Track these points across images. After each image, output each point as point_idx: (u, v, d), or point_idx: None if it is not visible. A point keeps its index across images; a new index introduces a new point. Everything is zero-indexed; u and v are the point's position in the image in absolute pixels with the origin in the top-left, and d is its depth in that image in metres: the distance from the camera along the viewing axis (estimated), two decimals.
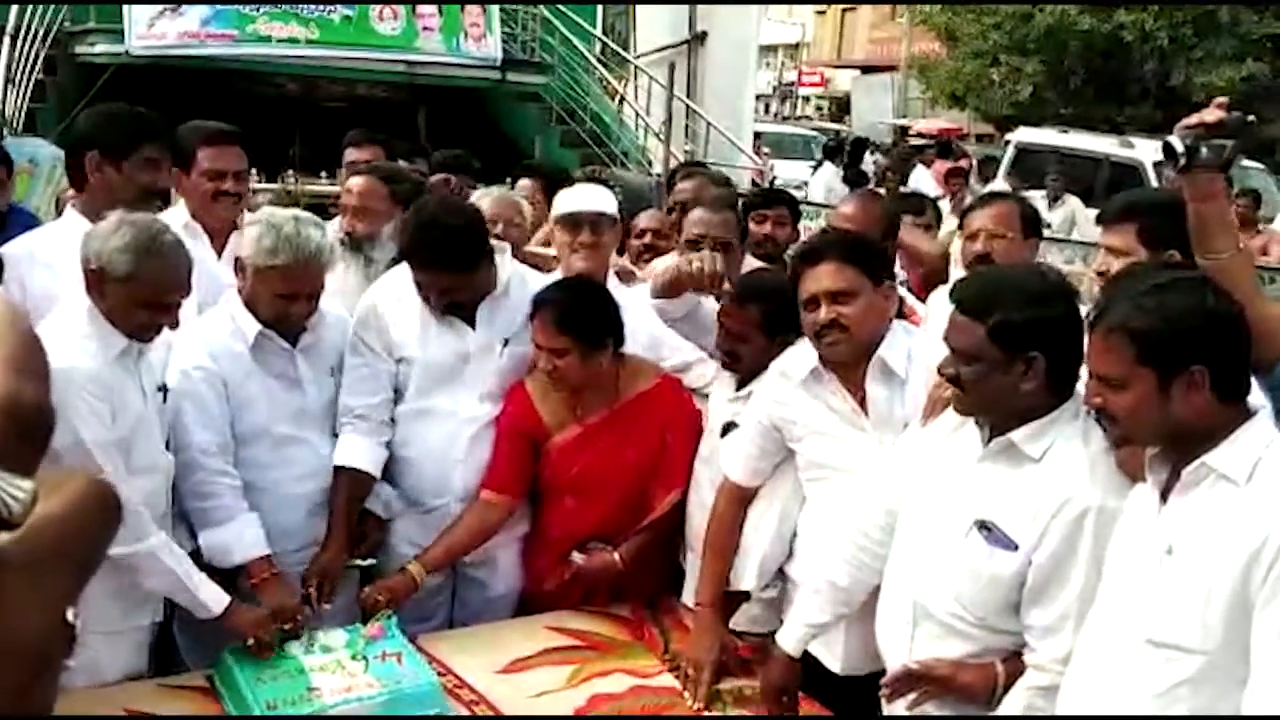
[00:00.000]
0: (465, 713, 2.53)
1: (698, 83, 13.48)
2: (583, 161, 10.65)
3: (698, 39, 13.53)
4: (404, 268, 2.98)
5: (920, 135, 21.63)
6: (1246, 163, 11.66)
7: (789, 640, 2.53)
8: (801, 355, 2.63)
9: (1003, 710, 2.12)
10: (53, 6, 9.89)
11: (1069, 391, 2.13)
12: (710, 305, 2.93)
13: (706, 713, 2.59)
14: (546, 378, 2.92)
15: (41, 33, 9.64)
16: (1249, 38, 17.23)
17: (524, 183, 4.42)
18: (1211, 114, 2.16)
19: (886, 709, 2.29)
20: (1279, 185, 12.66)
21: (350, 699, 2.44)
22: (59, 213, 3.50)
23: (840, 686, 2.59)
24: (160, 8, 10.24)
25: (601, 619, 2.95)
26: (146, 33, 10.27)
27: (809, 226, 5.81)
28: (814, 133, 22.33)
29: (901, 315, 2.69)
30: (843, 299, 2.48)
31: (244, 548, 2.70)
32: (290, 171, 9.93)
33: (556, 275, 3.21)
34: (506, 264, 3.04)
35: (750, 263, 3.85)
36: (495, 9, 11.72)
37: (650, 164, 11.86)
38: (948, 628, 2.20)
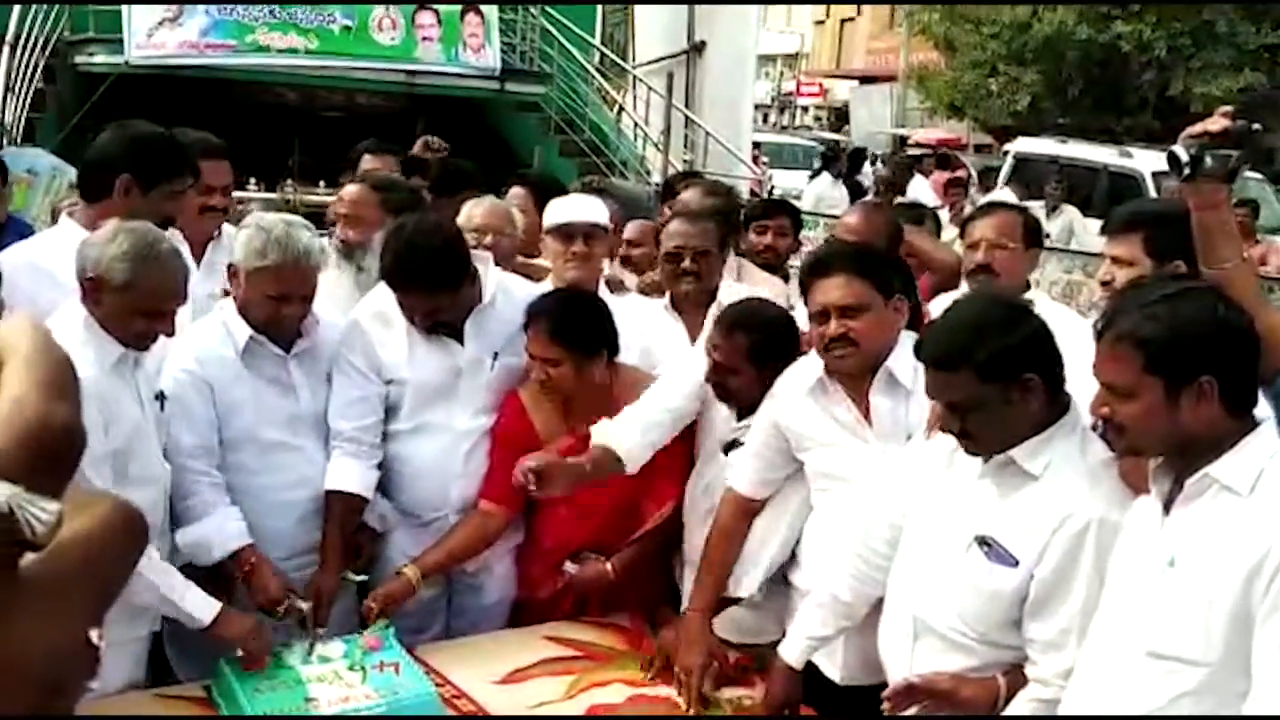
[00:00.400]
0: None
1: (696, 93, 13.51)
2: (581, 171, 10.66)
3: (696, 49, 13.55)
4: (385, 287, 2.96)
5: (919, 145, 21.68)
6: (1247, 174, 11.68)
7: (791, 652, 2.53)
8: (808, 365, 2.61)
9: None
10: (52, 17, 9.90)
11: (1064, 404, 2.13)
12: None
13: None
14: (539, 387, 2.91)
15: (41, 42, 9.65)
16: (1247, 48, 17.26)
17: (516, 191, 4.42)
18: (1216, 123, 2.16)
19: None
20: (1277, 195, 12.67)
21: (348, 710, 2.44)
22: (54, 223, 3.49)
23: (841, 697, 2.57)
24: (159, 18, 10.26)
25: (600, 629, 2.94)
26: (146, 43, 10.29)
27: (807, 236, 5.82)
28: (813, 143, 22.37)
29: (917, 325, 2.65)
30: (852, 313, 2.46)
31: (224, 539, 2.68)
32: (289, 181, 9.94)
33: (546, 285, 3.20)
34: (491, 275, 3.02)
35: (753, 271, 3.85)
36: (494, 20, 11.75)
37: (649, 174, 11.87)
38: (949, 642, 2.19)
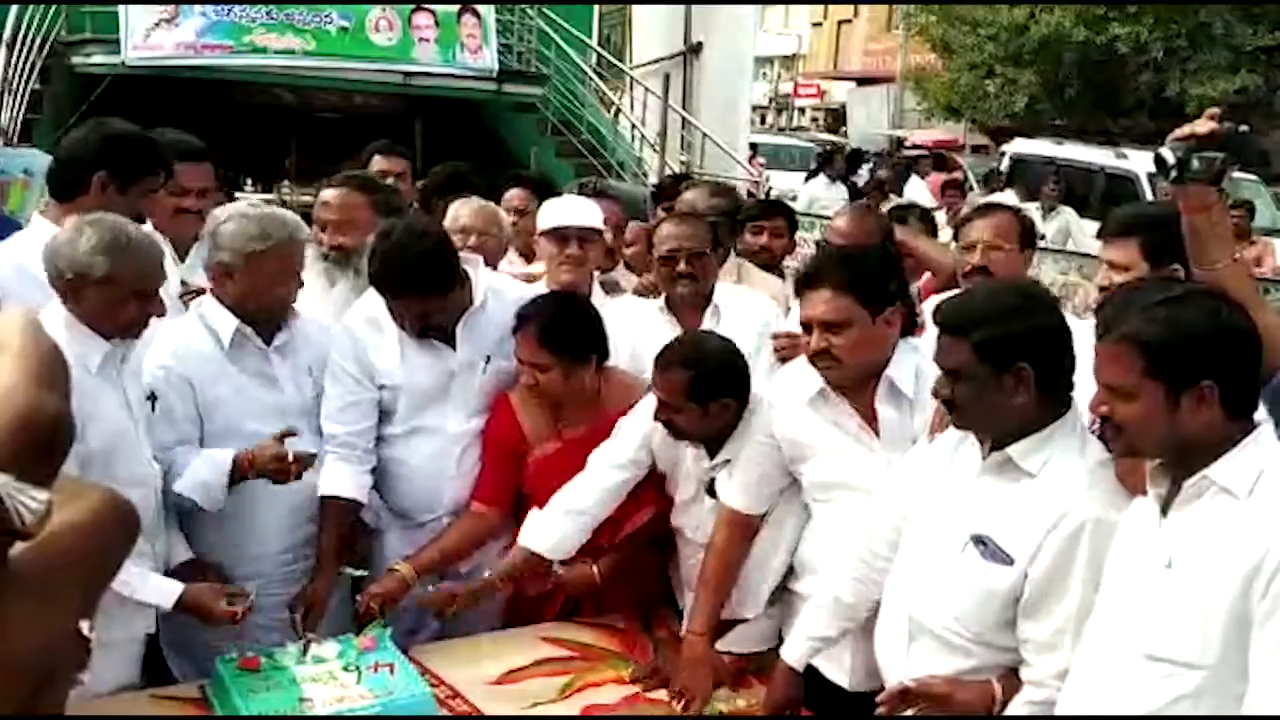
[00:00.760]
0: None
1: (693, 94, 13.52)
2: (578, 172, 10.67)
3: (693, 50, 13.56)
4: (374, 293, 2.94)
5: (916, 147, 21.69)
6: (1240, 175, 11.70)
7: (793, 654, 2.52)
8: (807, 374, 2.59)
9: None
10: (49, 17, 9.90)
11: (1066, 404, 2.13)
12: None
13: None
14: (528, 392, 2.91)
15: (38, 42, 9.65)
16: (1243, 49, 17.27)
17: (514, 192, 4.40)
18: (1203, 125, 2.16)
19: None
20: (1273, 197, 12.69)
21: (343, 710, 2.43)
22: None
23: (850, 704, 2.55)
24: (156, 19, 10.26)
25: (595, 630, 2.94)
26: (143, 43, 10.30)
27: (803, 237, 5.82)
28: (810, 144, 22.38)
29: (912, 331, 2.63)
30: (834, 329, 2.45)
31: (217, 464, 2.66)
32: (286, 182, 9.94)
33: (539, 287, 3.20)
34: (481, 278, 3.01)
35: (753, 272, 3.85)
36: (491, 21, 11.76)
37: (646, 175, 11.89)
38: (944, 643, 2.18)
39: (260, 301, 2.77)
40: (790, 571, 2.77)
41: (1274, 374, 2.07)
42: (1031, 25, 18.66)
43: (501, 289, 3.06)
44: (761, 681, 2.66)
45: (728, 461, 2.72)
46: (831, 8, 37.96)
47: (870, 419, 2.53)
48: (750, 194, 10.73)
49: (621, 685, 2.70)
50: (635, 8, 15.54)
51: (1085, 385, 1.99)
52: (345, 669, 2.56)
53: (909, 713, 2.18)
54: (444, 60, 11.50)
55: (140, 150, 3.00)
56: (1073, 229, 9.93)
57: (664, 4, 13.87)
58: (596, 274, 3.44)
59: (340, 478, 2.89)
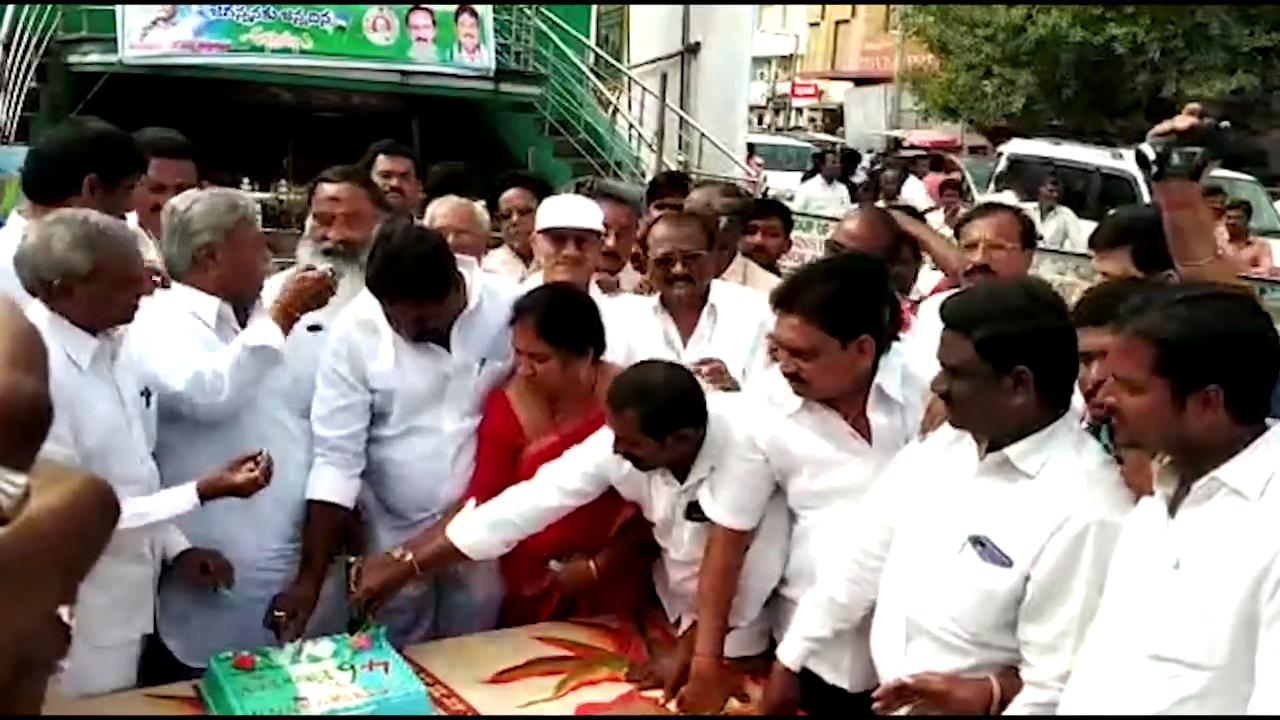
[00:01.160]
0: None
1: (691, 94, 13.53)
2: (576, 172, 10.67)
3: (691, 50, 13.57)
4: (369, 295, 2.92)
5: (913, 147, 21.71)
6: (1238, 175, 11.72)
7: (789, 655, 2.51)
8: (776, 384, 2.56)
9: None
10: (46, 16, 9.89)
11: (1064, 405, 2.12)
12: None
13: None
14: (526, 381, 2.91)
15: (34, 41, 9.65)
16: (1239, 50, 17.30)
17: (514, 192, 4.38)
18: (1183, 121, 2.16)
19: None
20: (1270, 197, 12.71)
21: (337, 709, 2.43)
22: None
23: (850, 705, 2.54)
24: (153, 18, 10.25)
25: (589, 630, 2.93)
26: (139, 42, 10.29)
27: (799, 237, 5.83)
28: (807, 144, 22.39)
29: (897, 334, 2.61)
30: (802, 356, 2.41)
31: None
32: (283, 181, 9.93)
33: (532, 282, 3.19)
34: (476, 280, 3.00)
35: (757, 272, 3.83)
36: (489, 21, 11.76)
37: (644, 174, 11.88)
38: (941, 643, 2.16)
39: (245, 279, 2.78)
40: (781, 580, 2.75)
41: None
42: (1029, 26, 18.69)
43: (496, 290, 3.05)
44: (757, 682, 2.66)
45: (701, 481, 2.69)
46: (829, 8, 38.00)
47: (863, 427, 2.52)
48: (747, 194, 10.73)
49: (616, 684, 2.69)
50: (633, 8, 15.55)
51: None
52: (340, 668, 2.56)
53: (905, 710, 2.17)
54: (442, 60, 11.50)
55: (122, 149, 3.01)
56: (1070, 229, 9.94)
57: (662, 4, 13.88)
58: (595, 275, 3.43)
59: (329, 482, 2.89)
